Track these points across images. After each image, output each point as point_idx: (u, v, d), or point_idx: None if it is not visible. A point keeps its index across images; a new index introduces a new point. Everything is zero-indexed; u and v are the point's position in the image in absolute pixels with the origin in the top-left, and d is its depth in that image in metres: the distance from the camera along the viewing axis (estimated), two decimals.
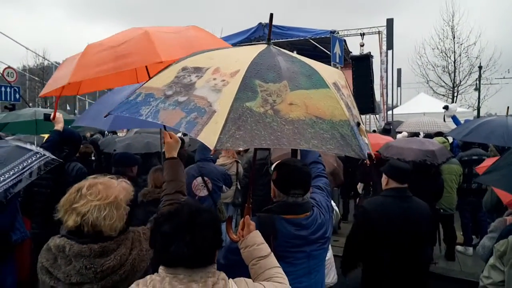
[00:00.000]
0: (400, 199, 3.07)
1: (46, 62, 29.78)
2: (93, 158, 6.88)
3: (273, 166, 3.24)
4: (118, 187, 1.80)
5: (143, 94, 1.79)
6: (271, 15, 2.10)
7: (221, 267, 1.91)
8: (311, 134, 1.54)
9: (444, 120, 8.86)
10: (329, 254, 3.31)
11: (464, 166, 5.94)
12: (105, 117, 1.85)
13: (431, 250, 5.23)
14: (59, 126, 3.84)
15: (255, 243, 1.86)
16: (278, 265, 1.84)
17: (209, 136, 1.46)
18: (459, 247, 6.21)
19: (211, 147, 1.41)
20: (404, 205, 3.05)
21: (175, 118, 1.59)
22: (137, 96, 1.80)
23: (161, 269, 1.49)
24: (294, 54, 1.99)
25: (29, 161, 2.75)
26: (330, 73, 1.92)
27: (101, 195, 1.70)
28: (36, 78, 28.64)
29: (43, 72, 29.94)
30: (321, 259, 2.32)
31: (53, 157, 2.99)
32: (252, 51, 1.86)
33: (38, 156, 2.85)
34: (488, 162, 3.91)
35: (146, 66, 2.91)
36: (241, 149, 5.08)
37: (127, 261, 1.70)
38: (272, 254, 1.86)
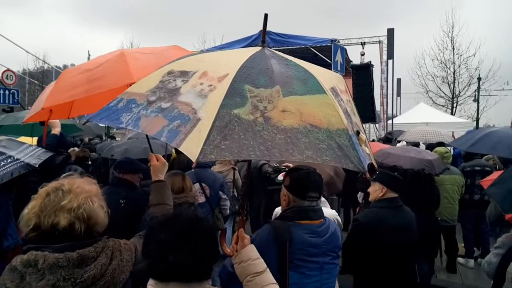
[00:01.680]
0: (394, 209, 2.98)
1: (46, 66, 30.23)
2: (89, 162, 6.75)
3: (279, 176, 3.14)
4: (91, 183, 1.71)
5: (125, 100, 1.66)
6: (266, 15, 1.96)
7: (230, 275, 1.83)
8: (305, 144, 1.40)
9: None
10: None
11: (466, 177, 5.75)
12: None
13: (432, 262, 5.04)
14: (56, 130, 3.82)
15: (250, 258, 1.73)
16: (275, 281, 1.72)
17: (191, 147, 1.32)
18: (460, 259, 6.04)
19: (193, 159, 1.27)
20: (398, 215, 2.97)
21: (157, 126, 1.46)
22: (118, 102, 1.67)
23: (150, 285, 1.36)
24: (290, 57, 1.85)
25: None
26: (328, 78, 1.78)
27: (86, 188, 1.63)
28: (36, 82, 28.81)
29: (43, 75, 30.26)
30: (333, 275, 2.22)
31: (28, 162, 2.94)
32: (244, 54, 1.73)
33: (9, 161, 2.80)
34: (495, 175, 3.77)
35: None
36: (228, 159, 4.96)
37: (107, 271, 1.56)
38: (268, 270, 1.74)
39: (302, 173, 2.15)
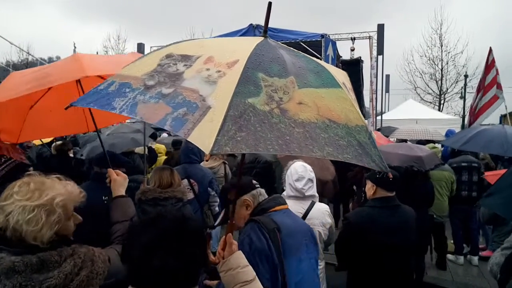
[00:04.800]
0: (388, 209, 2.89)
1: (30, 58, 29.07)
2: (71, 155, 6.22)
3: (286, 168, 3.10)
4: (58, 190, 1.48)
5: (117, 83, 1.46)
6: (269, 4, 1.83)
7: None
8: (325, 140, 1.29)
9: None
10: (323, 263, 3.12)
11: (454, 173, 5.63)
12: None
13: (422, 259, 5.06)
14: None
15: (239, 265, 1.61)
16: None
17: (202, 137, 1.16)
18: (449, 256, 6.01)
19: (206, 151, 1.11)
20: (392, 215, 2.88)
21: (159, 114, 1.28)
22: (109, 85, 1.47)
23: None
24: (296, 50, 1.74)
25: None
26: (338, 73, 1.69)
27: (30, 195, 1.41)
28: None
29: (27, 67, 28.84)
30: (315, 258, 2.25)
31: None
32: (250, 42, 1.60)
33: None
34: (500, 171, 3.78)
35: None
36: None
37: (73, 283, 1.37)
38: (257, 278, 1.63)
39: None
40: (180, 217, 1.31)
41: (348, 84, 1.78)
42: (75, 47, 23.31)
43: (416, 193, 4.48)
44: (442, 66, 23.02)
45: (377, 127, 12.78)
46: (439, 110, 22.15)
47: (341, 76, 1.71)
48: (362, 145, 1.33)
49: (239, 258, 1.63)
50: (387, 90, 18.95)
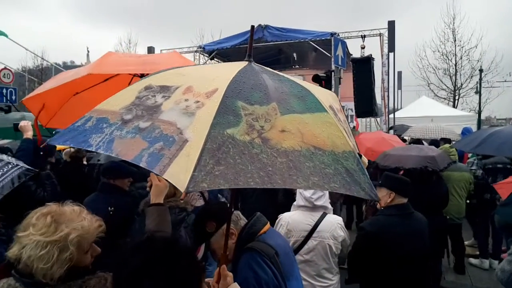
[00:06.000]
0: (404, 216, 2.80)
1: (44, 63, 30.00)
2: (85, 163, 6.07)
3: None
4: (75, 225, 1.44)
5: (94, 119, 1.42)
6: (252, 27, 1.82)
7: None
8: (310, 169, 1.22)
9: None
10: (336, 278, 2.99)
11: (488, 175, 5.53)
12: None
13: (439, 264, 4.87)
14: (28, 134, 3.50)
15: None
16: None
17: (178, 173, 1.10)
18: (473, 260, 5.80)
19: (182, 189, 1.05)
20: (408, 223, 2.79)
21: (135, 150, 1.23)
22: (86, 121, 1.42)
23: None
24: (281, 73, 1.70)
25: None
26: (325, 95, 1.64)
27: (45, 229, 1.39)
28: (35, 79, 27.97)
29: (42, 73, 30.13)
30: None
31: (27, 167, 2.68)
32: (231, 68, 1.55)
33: (10, 167, 2.53)
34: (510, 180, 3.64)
35: None
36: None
37: None
38: None
39: None
40: (170, 240, 1.29)
41: (337, 105, 1.72)
42: (88, 51, 23.87)
43: (432, 195, 4.37)
44: (456, 61, 22.43)
45: (390, 126, 12.45)
46: (453, 106, 21.57)
47: (328, 98, 1.65)
48: (350, 173, 1.25)
49: None
50: (400, 87, 18.38)
